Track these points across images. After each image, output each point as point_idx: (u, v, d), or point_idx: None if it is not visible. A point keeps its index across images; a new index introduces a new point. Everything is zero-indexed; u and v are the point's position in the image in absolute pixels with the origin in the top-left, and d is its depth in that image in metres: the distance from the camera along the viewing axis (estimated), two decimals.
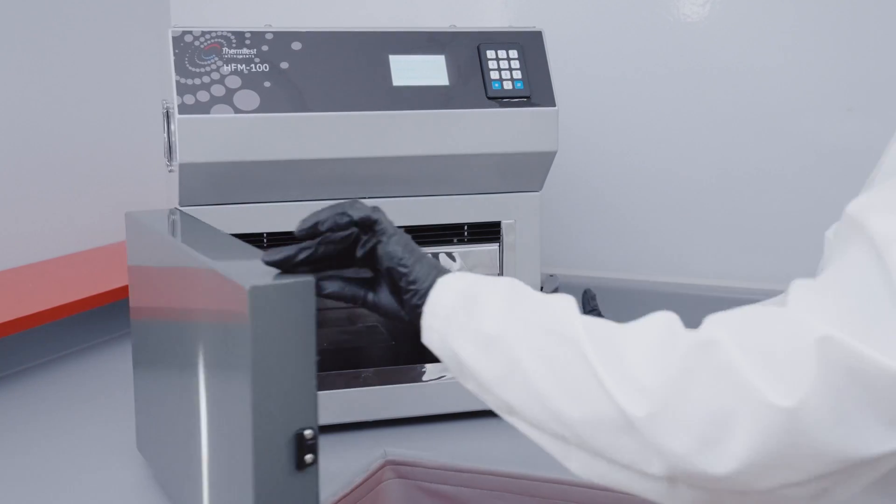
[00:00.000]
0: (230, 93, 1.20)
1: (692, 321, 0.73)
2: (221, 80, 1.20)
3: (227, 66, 1.21)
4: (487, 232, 1.35)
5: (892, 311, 0.64)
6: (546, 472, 1.20)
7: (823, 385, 0.65)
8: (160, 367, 1.09)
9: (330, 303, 0.96)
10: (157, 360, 1.10)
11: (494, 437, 1.25)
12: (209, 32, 1.23)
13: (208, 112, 1.19)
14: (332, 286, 0.90)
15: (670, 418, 0.69)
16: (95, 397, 1.46)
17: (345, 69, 1.25)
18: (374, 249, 0.89)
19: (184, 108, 1.18)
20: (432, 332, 0.85)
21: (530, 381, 0.77)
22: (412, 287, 0.87)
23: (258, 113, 1.20)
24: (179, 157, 1.19)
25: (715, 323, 0.71)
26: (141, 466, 1.20)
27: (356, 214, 0.89)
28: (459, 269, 1.34)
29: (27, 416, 1.39)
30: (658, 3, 1.77)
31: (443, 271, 0.88)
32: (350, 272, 0.92)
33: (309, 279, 0.81)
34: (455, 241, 1.35)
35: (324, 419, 1.31)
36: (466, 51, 1.30)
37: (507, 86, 1.30)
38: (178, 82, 1.19)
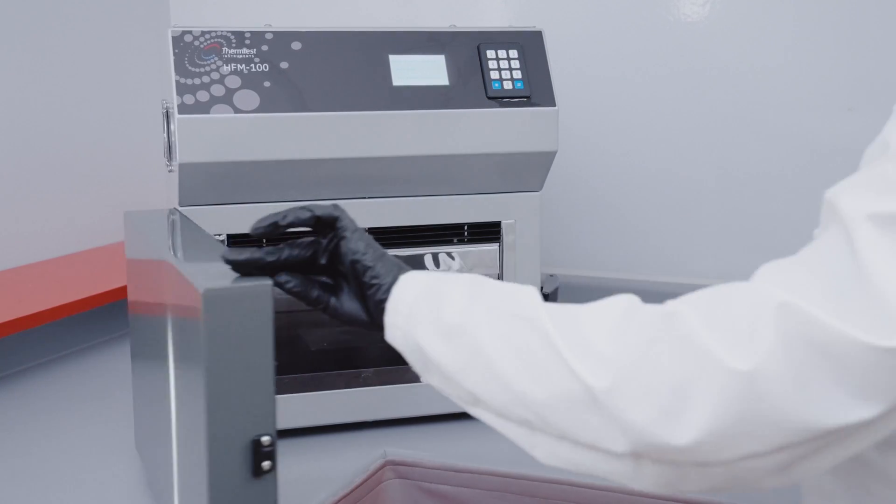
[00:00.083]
0: (230, 93, 1.20)
1: None
2: (221, 80, 1.20)
3: (227, 65, 1.21)
4: (487, 232, 1.35)
5: (857, 286, 0.64)
6: (546, 473, 1.20)
7: (782, 350, 0.64)
8: (146, 365, 1.09)
9: None
10: (145, 358, 1.11)
11: (494, 437, 1.23)
12: (209, 32, 1.22)
13: (208, 112, 1.19)
14: (293, 281, 0.89)
15: (632, 389, 0.69)
16: (95, 397, 1.46)
17: (345, 69, 1.25)
18: (337, 247, 0.89)
19: (183, 108, 1.18)
20: (395, 328, 0.85)
21: (494, 366, 0.77)
22: (375, 281, 0.86)
23: (258, 113, 1.20)
24: (179, 156, 1.19)
25: (677, 299, 0.72)
26: (140, 466, 1.20)
27: (318, 211, 0.89)
28: (459, 270, 1.34)
29: (27, 416, 1.39)
30: (658, 3, 1.77)
31: (405, 268, 0.88)
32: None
33: (267, 283, 0.79)
34: (455, 241, 1.35)
35: (324, 419, 1.32)
36: (466, 51, 1.30)
37: (507, 86, 1.30)
38: (177, 82, 1.19)
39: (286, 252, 0.88)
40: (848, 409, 0.64)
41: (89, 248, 1.91)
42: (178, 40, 1.21)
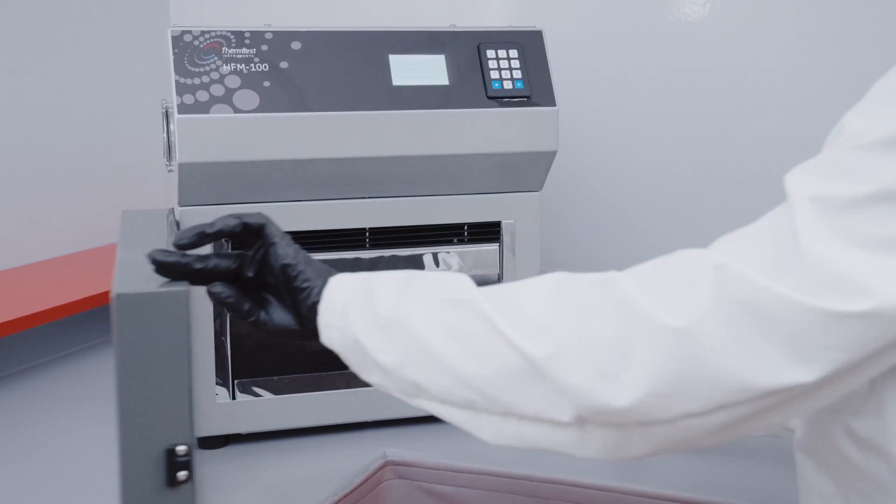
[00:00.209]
0: (230, 92, 1.20)
1: None
2: (221, 80, 1.20)
3: (227, 65, 1.21)
4: (487, 232, 1.35)
5: (794, 258, 0.65)
6: (546, 473, 1.20)
7: (717, 308, 0.65)
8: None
9: None
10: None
11: None
12: (208, 32, 1.22)
13: (208, 112, 1.19)
14: (228, 292, 0.88)
15: (571, 354, 0.70)
16: (95, 397, 1.46)
17: (345, 69, 1.25)
18: (265, 256, 0.88)
19: (183, 108, 1.18)
20: (331, 328, 0.85)
21: (433, 351, 0.77)
22: (307, 285, 0.86)
23: (258, 112, 1.20)
24: (179, 156, 1.19)
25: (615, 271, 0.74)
26: None
27: (246, 218, 0.89)
28: (459, 269, 1.34)
29: (27, 416, 1.39)
30: (658, 2, 1.77)
31: (333, 272, 0.88)
32: None
33: (183, 289, 0.78)
34: (455, 241, 1.35)
35: (324, 419, 1.32)
36: (466, 50, 1.30)
37: (508, 85, 1.30)
38: (177, 82, 1.19)
39: (214, 261, 0.88)
40: (784, 369, 0.64)
41: (89, 248, 1.91)
42: (177, 40, 1.21)
